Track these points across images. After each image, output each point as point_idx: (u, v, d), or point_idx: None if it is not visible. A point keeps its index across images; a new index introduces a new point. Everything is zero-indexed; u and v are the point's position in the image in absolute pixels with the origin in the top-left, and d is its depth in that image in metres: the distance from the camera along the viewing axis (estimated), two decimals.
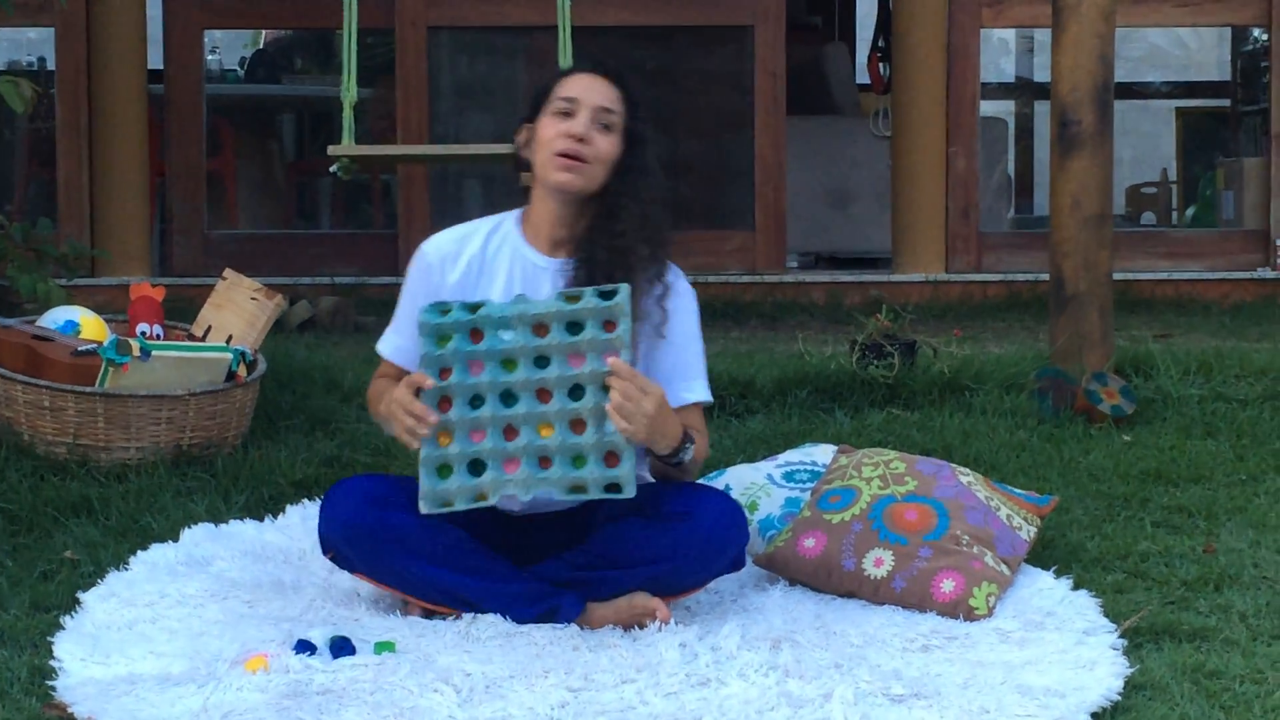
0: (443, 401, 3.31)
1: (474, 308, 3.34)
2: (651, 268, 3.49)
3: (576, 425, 3.30)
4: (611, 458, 3.29)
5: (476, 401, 3.32)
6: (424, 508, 3.31)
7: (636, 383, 3.25)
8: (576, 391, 3.30)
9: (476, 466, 3.32)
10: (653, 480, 3.59)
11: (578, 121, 3.45)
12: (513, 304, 3.34)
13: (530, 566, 3.46)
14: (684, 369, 3.53)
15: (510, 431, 3.32)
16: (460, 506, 3.31)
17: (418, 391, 3.29)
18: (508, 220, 3.58)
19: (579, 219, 3.51)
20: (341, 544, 3.44)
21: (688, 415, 3.51)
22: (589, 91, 3.48)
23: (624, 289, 3.30)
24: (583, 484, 3.30)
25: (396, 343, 3.58)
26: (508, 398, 3.32)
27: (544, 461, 3.31)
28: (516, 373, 3.32)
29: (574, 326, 3.30)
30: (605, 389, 3.27)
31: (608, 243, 3.46)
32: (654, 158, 3.54)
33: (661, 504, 3.43)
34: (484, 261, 3.52)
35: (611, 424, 3.27)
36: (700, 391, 3.55)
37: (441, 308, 3.34)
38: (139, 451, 4.43)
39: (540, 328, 3.32)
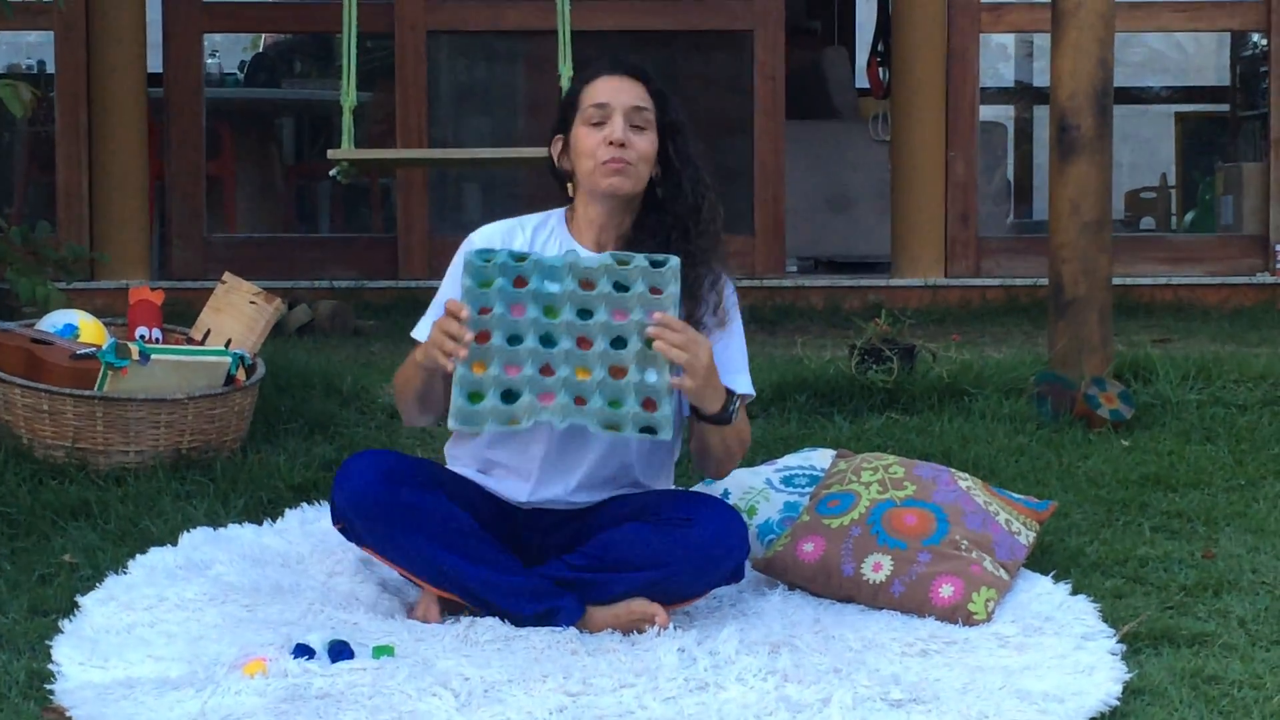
0: (480, 336, 3.27)
1: (520, 257, 3.31)
2: (705, 256, 3.49)
3: (616, 372, 3.28)
4: (650, 404, 3.27)
5: (515, 339, 3.29)
6: (452, 423, 3.27)
7: (688, 334, 3.25)
8: (619, 343, 3.28)
9: (510, 396, 3.28)
10: (657, 489, 3.60)
11: (615, 127, 3.46)
12: (561, 257, 3.32)
13: (532, 567, 3.46)
14: (732, 362, 3.52)
15: (547, 370, 3.29)
16: (491, 428, 3.28)
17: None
18: (553, 217, 3.60)
19: (625, 215, 3.52)
20: (352, 515, 3.44)
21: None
22: (617, 94, 3.49)
23: (674, 260, 3.29)
24: (618, 422, 3.28)
25: None
26: (548, 340, 3.29)
27: (579, 401, 3.29)
28: (559, 319, 3.29)
29: (621, 286, 3.29)
30: (649, 342, 3.25)
31: (654, 235, 3.48)
32: (693, 145, 3.55)
33: (663, 510, 3.44)
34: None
35: (653, 374, 3.26)
36: (745, 385, 3.56)
37: (487, 253, 3.30)
38: (138, 455, 4.43)
39: (587, 283, 3.29)
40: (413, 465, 3.49)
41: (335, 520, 3.49)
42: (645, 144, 3.49)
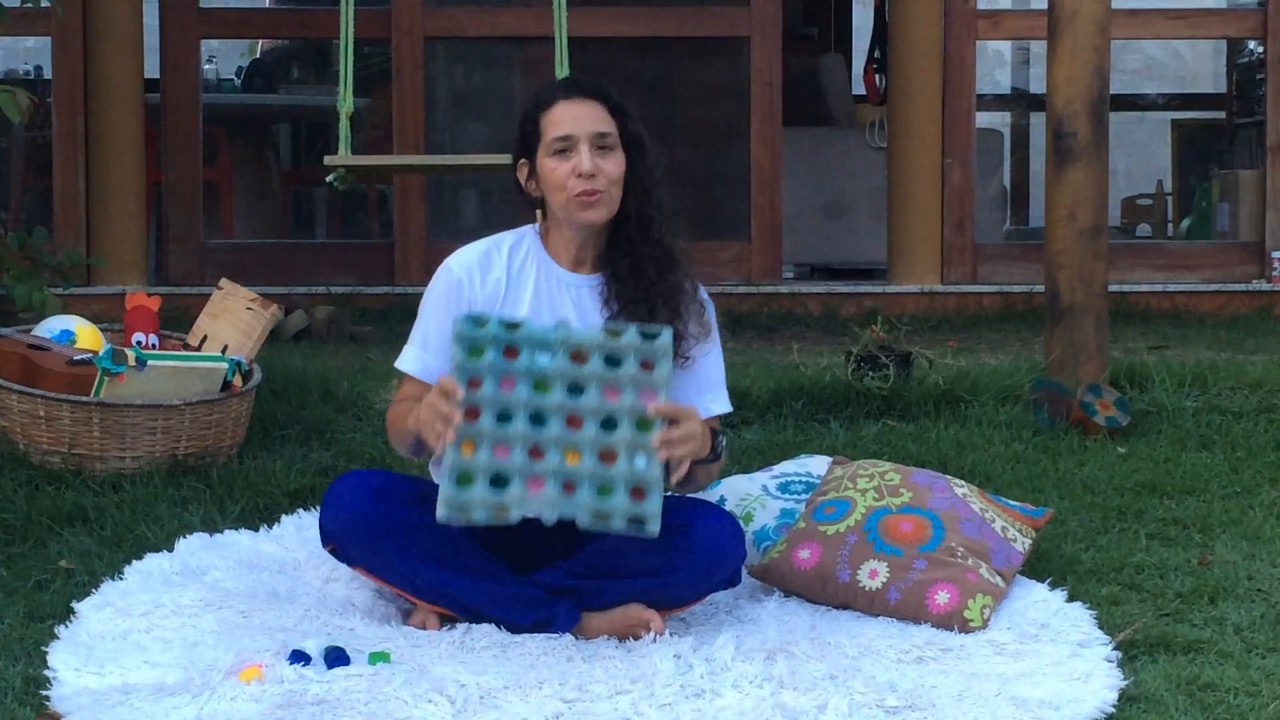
0: (470, 412, 3.24)
1: (512, 325, 3.28)
2: (677, 269, 3.49)
3: (606, 456, 3.25)
4: (639, 492, 3.25)
5: (505, 418, 3.26)
6: (441, 514, 3.24)
7: (685, 426, 3.24)
8: (609, 423, 3.26)
9: (499, 481, 3.25)
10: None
11: (583, 159, 3.43)
12: (553, 328, 3.29)
13: (527, 574, 3.46)
14: (710, 380, 3.55)
15: (536, 452, 3.26)
16: (479, 519, 3.24)
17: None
18: (527, 236, 3.58)
19: (600, 235, 3.52)
20: (342, 537, 3.44)
21: (710, 426, 3.53)
22: (579, 123, 3.45)
23: (666, 333, 3.26)
24: (608, 513, 3.24)
25: (426, 360, 3.51)
26: (537, 419, 3.26)
27: (568, 487, 3.25)
28: (550, 395, 3.26)
29: (612, 360, 3.26)
30: (640, 425, 3.24)
31: (627, 257, 3.48)
32: (653, 154, 3.54)
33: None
34: (510, 276, 3.52)
35: (642, 459, 3.24)
36: (724, 402, 3.59)
37: (478, 319, 3.28)
38: (134, 461, 4.43)
39: (578, 356, 3.26)
40: (399, 483, 3.48)
41: (325, 542, 3.49)
42: (613, 167, 3.47)
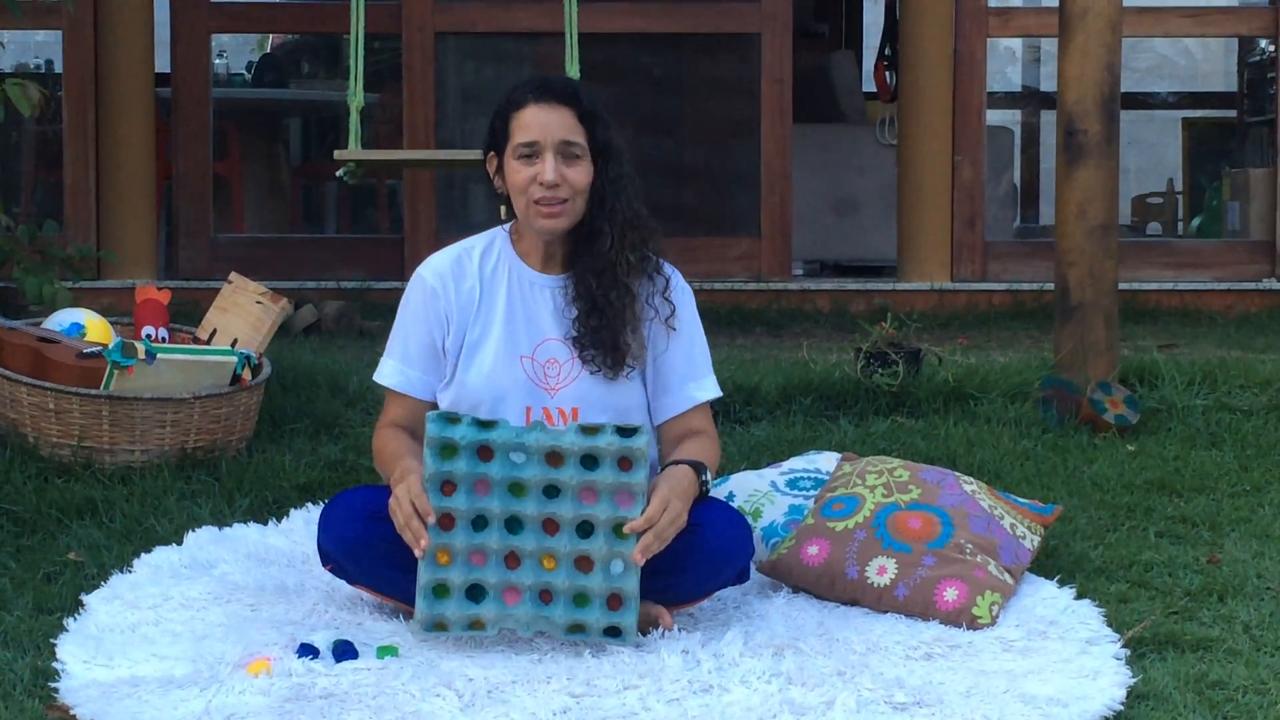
0: (444, 518, 3.25)
1: (486, 425, 3.27)
2: (644, 269, 3.49)
3: (582, 563, 3.25)
4: (615, 600, 3.25)
5: (480, 523, 3.26)
6: (415, 628, 3.27)
7: (662, 521, 3.25)
8: (585, 528, 3.26)
9: (475, 592, 3.26)
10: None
11: (546, 167, 3.41)
12: (528, 430, 3.28)
13: None
14: (693, 366, 3.54)
15: (512, 559, 3.26)
16: (455, 631, 3.25)
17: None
18: (499, 238, 3.57)
19: (566, 240, 3.51)
20: (340, 557, 3.44)
21: (697, 415, 3.53)
22: (546, 130, 3.42)
23: (644, 430, 3.27)
24: (584, 625, 3.25)
25: (407, 374, 3.51)
26: (513, 524, 3.27)
27: (545, 595, 3.25)
28: (526, 500, 3.26)
29: (589, 460, 3.26)
30: (617, 532, 3.24)
31: (593, 263, 3.47)
32: (625, 161, 3.50)
33: None
34: (483, 283, 3.52)
35: (619, 566, 3.24)
36: (710, 388, 3.57)
37: (450, 418, 3.27)
38: (143, 454, 4.44)
39: (555, 457, 3.26)
40: None
41: (324, 562, 3.49)
42: (579, 175, 3.44)
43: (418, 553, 3.24)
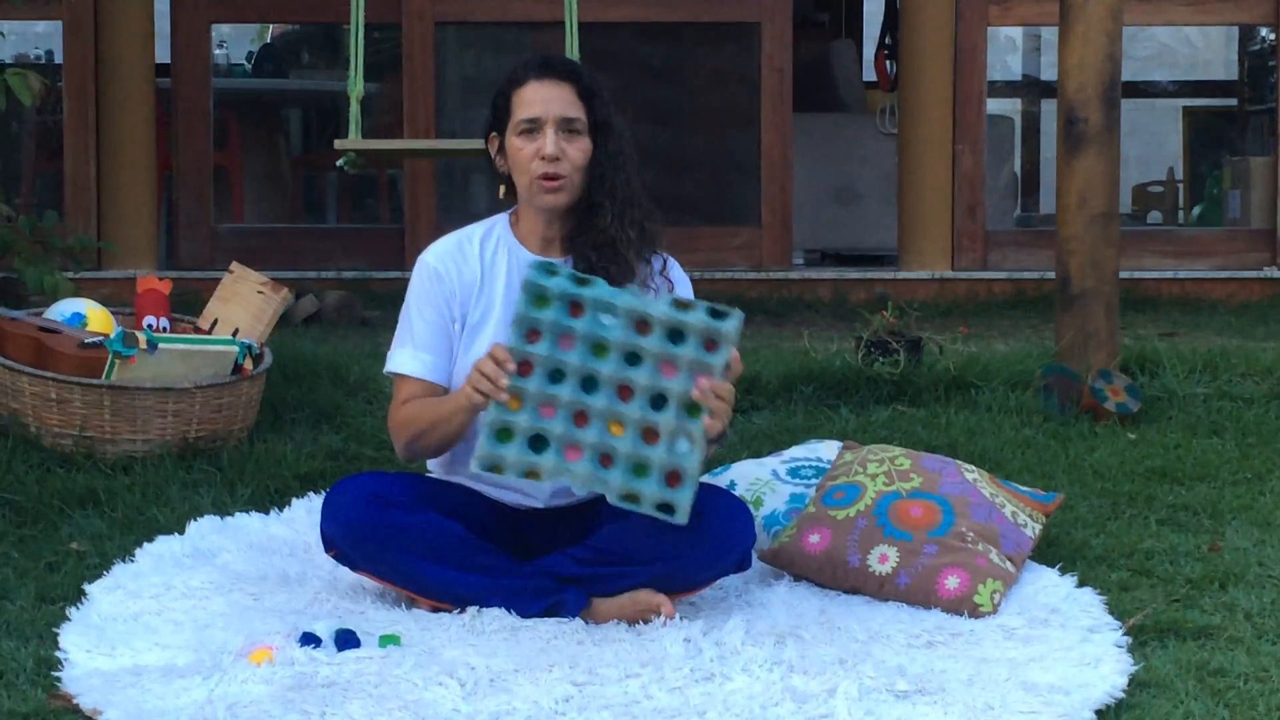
0: (523, 365, 3.24)
1: (582, 280, 3.27)
2: (643, 248, 3.50)
3: (649, 435, 3.25)
4: (674, 477, 3.24)
5: (556, 376, 3.25)
6: (474, 466, 3.25)
7: (731, 399, 3.26)
8: (659, 400, 3.25)
9: (538, 442, 3.25)
10: None
11: (547, 141, 3.44)
12: (622, 292, 3.28)
13: (534, 560, 3.46)
14: None
15: (581, 417, 3.25)
16: (511, 476, 3.25)
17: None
18: (499, 224, 3.59)
19: (565, 219, 3.52)
20: (343, 543, 3.44)
21: None
22: (547, 105, 3.45)
23: (736, 314, 3.25)
24: (638, 495, 3.24)
25: (422, 359, 3.50)
26: (589, 383, 3.26)
27: (605, 459, 3.25)
28: (606, 361, 3.25)
29: (676, 335, 3.25)
30: (689, 410, 3.23)
31: (593, 239, 3.48)
32: (623, 139, 3.52)
33: None
34: (483, 269, 3.53)
35: (684, 445, 3.23)
36: None
37: (549, 268, 3.27)
38: (145, 444, 4.44)
39: (643, 324, 3.25)
40: (397, 485, 3.47)
41: (327, 548, 3.48)
42: (578, 152, 3.47)
43: (500, 397, 3.21)
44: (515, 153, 3.48)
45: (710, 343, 3.24)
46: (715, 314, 3.25)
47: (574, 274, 3.29)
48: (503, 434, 3.25)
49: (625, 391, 3.26)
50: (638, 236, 3.49)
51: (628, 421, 3.25)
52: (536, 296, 3.26)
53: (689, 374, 3.24)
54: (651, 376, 3.25)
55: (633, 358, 3.26)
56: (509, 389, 3.23)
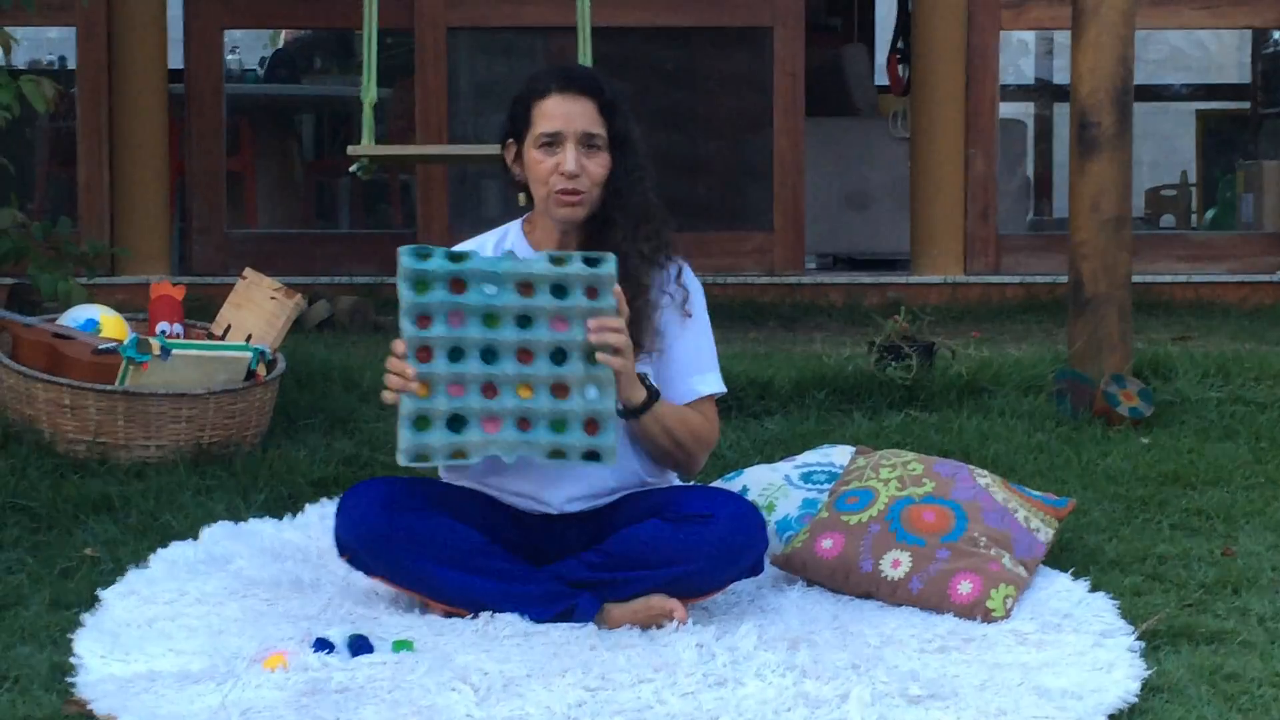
0: (421, 350, 3.29)
1: (457, 257, 3.32)
2: (657, 260, 3.50)
3: (558, 390, 3.31)
4: (592, 425, 3.31)
5: (456, 354, 3.30)
6: (401, 460, 3.29)
7: (624, 333, 3.31)
8: (559, 355, 3.31)
9: (456, 422, 3.30)
10: (675, 484, 3.61)
11: (567, 157, 3.44)
12: (499, 260, 3.33)
13: (547, 565, 3.46)
14: (698, 360, 3.55)
15: (490, 389, 3.31)
16: (439, 461, 3.32)
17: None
18: (512, 230, 3.60)
19: (580, 229, 3.53)
20: (357, 547, 3.45)
21: (701, 406, 3.53)
22: (568, 121, 3.45)
23: (610, 259, 3.32)
24: (563, 449, 3.31)
25: None
26: (488, 354, 3.31)
27: (523, 423, 3.31)
28: (500, 329, 3.30)
29: (559, 290, 3.31)
30: (590, 357, 3.29)
31: (608, 247, 3.47)
32: (641, 152, 3.53)
33: (681, 507, 3.44)
34: None
35: (594, 391, 3.29)
36: (714, 383, 3.58)
37: (422, 252, 3.31)
38: (159, 450, 4.45)
39: (525, 287, 3.31)
40: (412, 489, 3.48)
41: (341, 553, 3.49)
42: (597, 168, 3.47)
43: (413, 387, 3.26)
44: (534, 164, 3.48)
45: (592, 289, 3.31)
46: (590, 261, 3.31)
47: (448, 251, 3.33)
48: (420, 422, 3.29)
49: (525, 355, 3.32)
50: (651, 250, 3.49)
51: (535, 382, 3.31)
52: (416, 282, 3.30)
53: (581, 323, 3.31)
54: (547, 334, 3.31)
55: (524, 320, 3.32)
56: (415, 377, 3.27)
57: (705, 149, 8.14)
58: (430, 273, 3.29)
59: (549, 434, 3.31)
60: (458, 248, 3.56)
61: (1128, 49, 5.15)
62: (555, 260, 3.32)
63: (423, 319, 3.30)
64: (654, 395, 3.42)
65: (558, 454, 3.32)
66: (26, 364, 4.50)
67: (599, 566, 3.42)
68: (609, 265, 3.31)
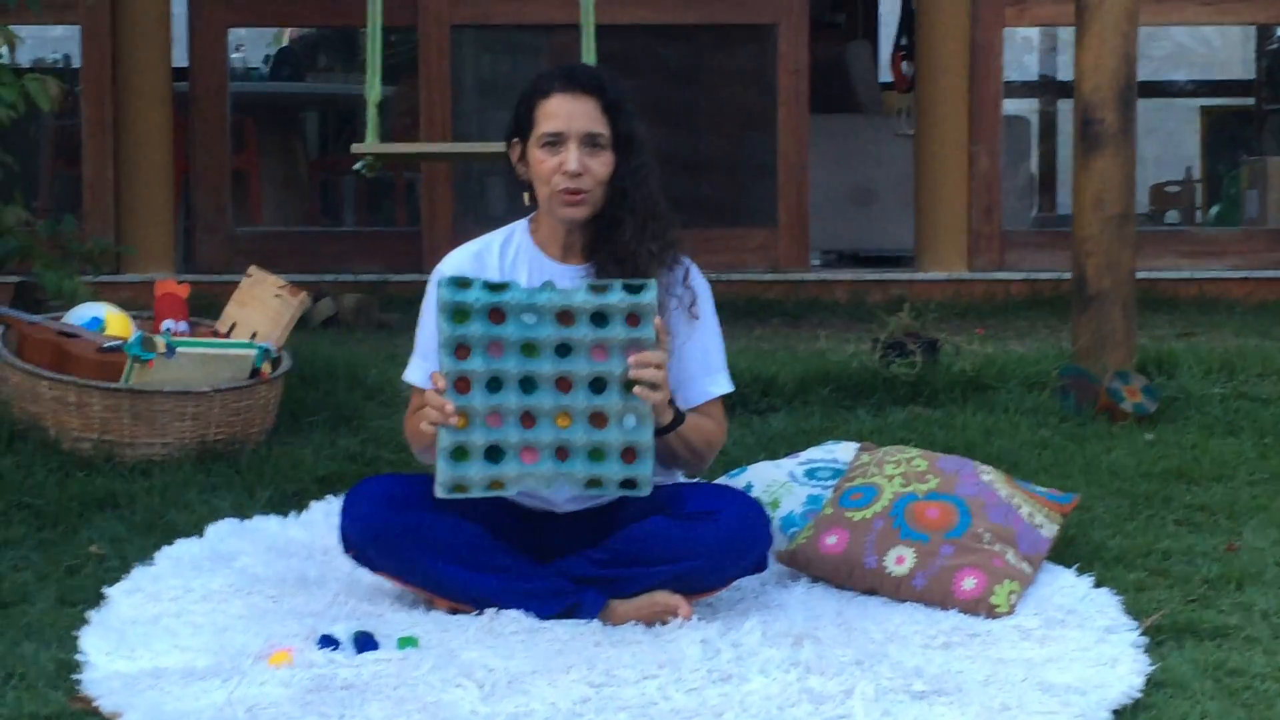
0: (460, 382, 3.28)
1: (497, 288, 3.31)
2: (665, 259, 3.51)
3: (597, 419, 3.30)
4: (630, 454, 3.30)
5: (494, 384, 3.30)
6: (439, 492, 3.29)
7: (656, 364, 3.29)
8: (598, 384, 3.30)
9: (494, 453, 3.30)
10: (679, 481, 3.62)
11: (570, 157, 3.44)
12: (539, 290, 3.32)
13: (552, 562, 3.47)
14: (708, 361, 3.55)
15: (528, 419, 3.31)
16: (476, 493, 3.30)
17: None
18: (518, 230, 3.60)
19: (586, 228, 3.53)
20: (362, 544, 3.45)
21: (709, 408, 3.54)
22: (571, 120, 3.45)
23: (651, 284, 3.30)
24: (600, 479, 3.31)
25: (430, 370, 3.50)
26: (527, 384, 3.31)
27: (561, 453, 3.31)
28: (539, 360, 3.30)
29: (599, 319, 3.30)
30: (628, 387, 3.28)
31: (613, 253, 3.48)
32: (645, 151, 3.52)
33: (685, 504, 3.45)
34: (504, 274, 3.53)
35: (632, 420, 3.28)
36: (724, 384, 3.59)
37: (461, 281, 3.30)
38: (164, 447, 4.45)
39: (565, 316, 3.30)
40: (415, 486, 3.48)
41: (346, 549, 3.50)
42: (600, 167, 3.47)
43: (452, 421, 3.25)
44: (537, 164, 3.48)
45: (633, 317, 3.30)
46: (631, 289, 3.30)
47: (486, 282, 3.31)
48: (458, 453, 3.29)
49: (564, 384, 3.31)
50: (659, 249, 3.50)
51: (574, 412, 3.30)
52: (456, 313, 3.28)
53: (621, 353, 3.30)
54: (586, 364, 3.30)
55: (563, 350, 3.31)
56: (454, 411, 3.26)
57: (710, 146, 8.14)
58: (469, 304, 3.28)
59: (586, 464, 3.30)
60: (464, 247, 3.57)
61: (1131, 45, 5.15)
62: (595, 289, 3.30)
63: (461, 349, 3.28)
64: (680, 418, 3.43)
65: (594, 484, 3.32)
66: (32, 362, 4.51)
67: (603, 563, 3.42)
68: (650, 293, 3.29)
